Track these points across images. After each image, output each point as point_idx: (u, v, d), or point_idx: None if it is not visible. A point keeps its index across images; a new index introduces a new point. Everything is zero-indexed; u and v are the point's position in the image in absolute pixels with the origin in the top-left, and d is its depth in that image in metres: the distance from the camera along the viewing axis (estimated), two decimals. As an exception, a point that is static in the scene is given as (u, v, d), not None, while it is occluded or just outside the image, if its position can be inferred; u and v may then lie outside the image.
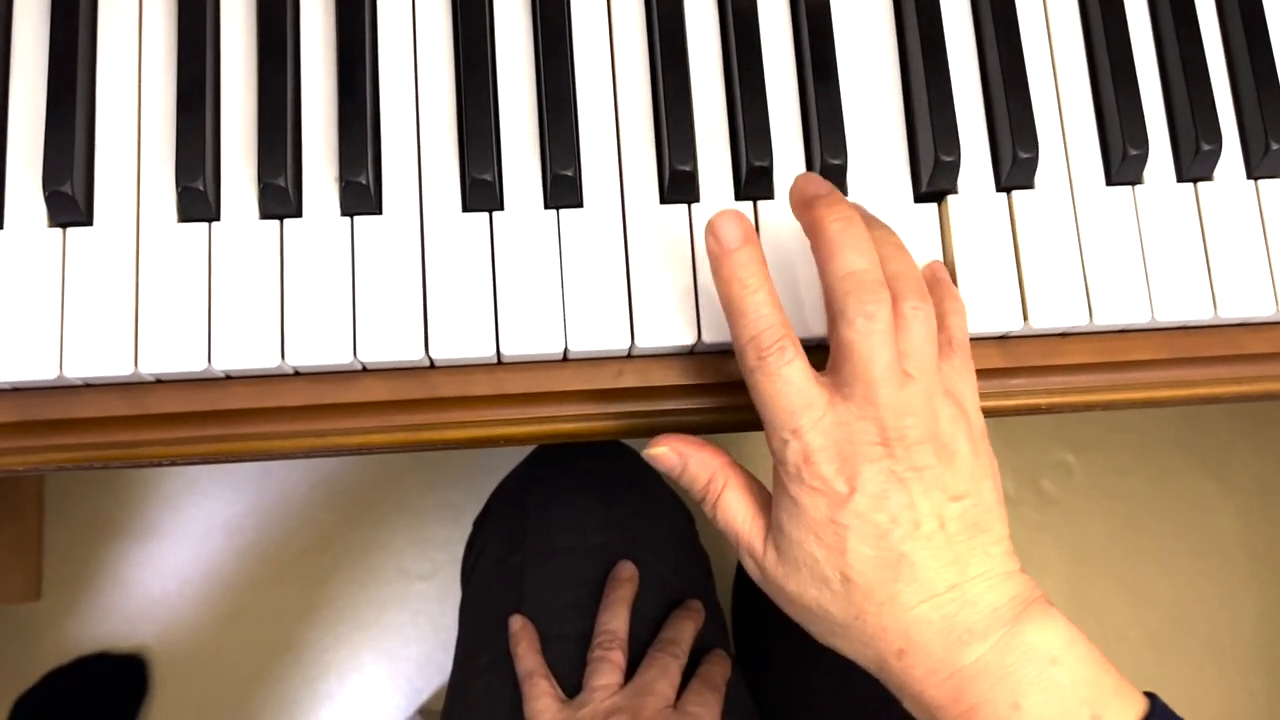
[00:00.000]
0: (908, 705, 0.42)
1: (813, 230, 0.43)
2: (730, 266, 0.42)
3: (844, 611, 0.41)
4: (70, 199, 0.45)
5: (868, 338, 0.40)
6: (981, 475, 0.42)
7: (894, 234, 0.45)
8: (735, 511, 0.44)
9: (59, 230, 0.46)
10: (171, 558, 1.27)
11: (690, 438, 0.45)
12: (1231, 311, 0.48)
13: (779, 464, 0.42)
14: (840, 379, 0.41)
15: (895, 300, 0.41)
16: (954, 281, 0.48)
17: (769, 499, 0.44)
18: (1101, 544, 1.36)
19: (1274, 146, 0.48)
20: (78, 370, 0.44)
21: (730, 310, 0.42)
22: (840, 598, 0.41)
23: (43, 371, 0.44)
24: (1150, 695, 0.41)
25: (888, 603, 0.40)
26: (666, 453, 0.45)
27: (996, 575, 0.41)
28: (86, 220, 0.46)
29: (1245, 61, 0.50)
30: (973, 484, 0.41)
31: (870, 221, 0.45)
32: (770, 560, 0.43)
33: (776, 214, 0.48)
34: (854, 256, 0.41)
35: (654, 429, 0.51)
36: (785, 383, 0.41)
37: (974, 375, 0.45)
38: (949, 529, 0.41)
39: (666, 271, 0.47)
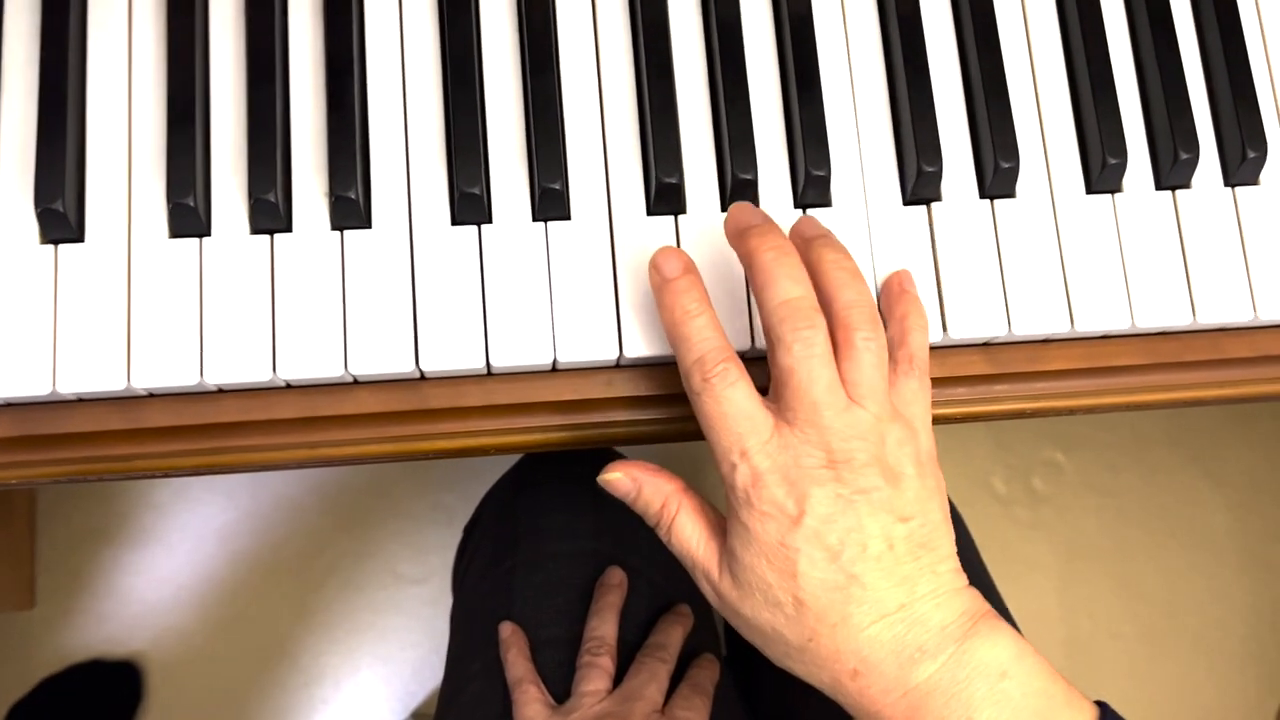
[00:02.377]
0: None
1: (747, 260, 0.44)
2: (672, 295, 0.43)
3: (797, 635, 0.41)
4: (62, 216, 0.45)
5: (805, 362, 0.41)
6: (928, 496, 0.42)
7: (849, 259, 0.44)
8: (689, 536, 0.44)
9: (51, 247, 0.46)
10: (165, 564, 1.27)
11: (644, 464, 0.46)
12: (1209, 317, 0.49)
13: (729, 490, 0.42)
14: (783, 404, 0.42)
15: (848, 330, 0.42)
16: (939, 288, 0.48)
17: (723, 523, 0.44)
18: (1093, 541, 1.37)
19: (1250, 155, 0.49)
20: (71, 385, 0.45)
21: (674, 337, 0.44)
22: (793, 621, 0.41)
23: (36, 387, 0.45)
24: (1101, 704, 0.42)
25: (840, 624, 0.41)
26: (621, 478, 0.46)
27: (945, 593, 0.42)
28: (78, 237, 0.46)
29: (1222, 72, 0.50)
30: (920, 505, 0.42)
31: (829, 244, 0.45)
32: (725, 584, 0.43)
33: (762, 224, 0.49)
34: (788, 285, 0.42)
35: (645, 437, 0.51)
36: (730, 404, 0.42)
37: (929, 394, 0.45)
38: (897, 550, 0.41)
39: (654, 282, 0.47)
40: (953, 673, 0.40)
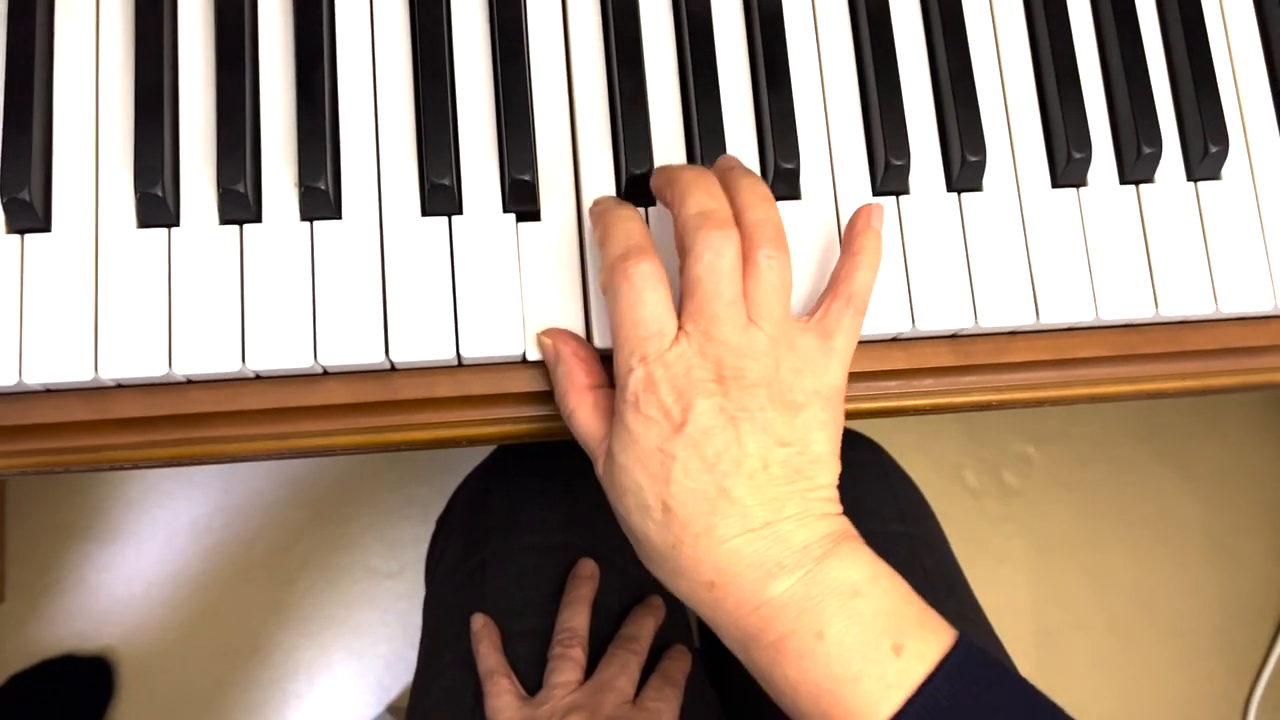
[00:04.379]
0: (722, 637, 0.43)
1: (669, 183, 0.45)
2: (606, 212, 0.45)
3: (662, 540, 0.42)
4: (28, 205, 0.45)
5: (713, 273, 0.42)
6: (815, 427, 0.43)
7: (763, 184, 0.45)
8: (586, 425, 0.45)
9: (17, 236, 0.46)
10: (136, 559, 1.26)
11: (575, 341, 0.47)
12: (1172, 310, 0.50)
13: (619, 390, 0.43)
14: (686, 313, 0.42)
15: (752, 245, 0.43)
16: (906, 279, 0.49)
17: None
18: (1064, 533, 1.38)
19: (1212, 149, 0.50)
20: (37, 376, 0.45)
21: (601, 239, 0.44)
22: (660, 526, 0.42)
23: (2, 378, 0.44)
24: (960, 633, 0.42)
25: (703, 534, 0.41)
26: (547, 345, 0.47)
27: (811, 516, 0.42)
28: (45, 226, 0.46)
29: (1185, 68, 0.51)
30: (802, 434, 0.42)
31: (746, 173, 0.46)
32: (606, 478, 0.44)
33: (732, 217, 0.49)
34: (704, 197, 0.43)
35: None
36: (644, 304, 0.42)
37: (858, 331, 0.45)
38: (771, 471, 0.41)
39: (624, 274, 0.47)
40: (806, 589, 0.41)
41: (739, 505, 0.41)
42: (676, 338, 0.42)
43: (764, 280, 0.43)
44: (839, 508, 0.43)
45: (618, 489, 0.43)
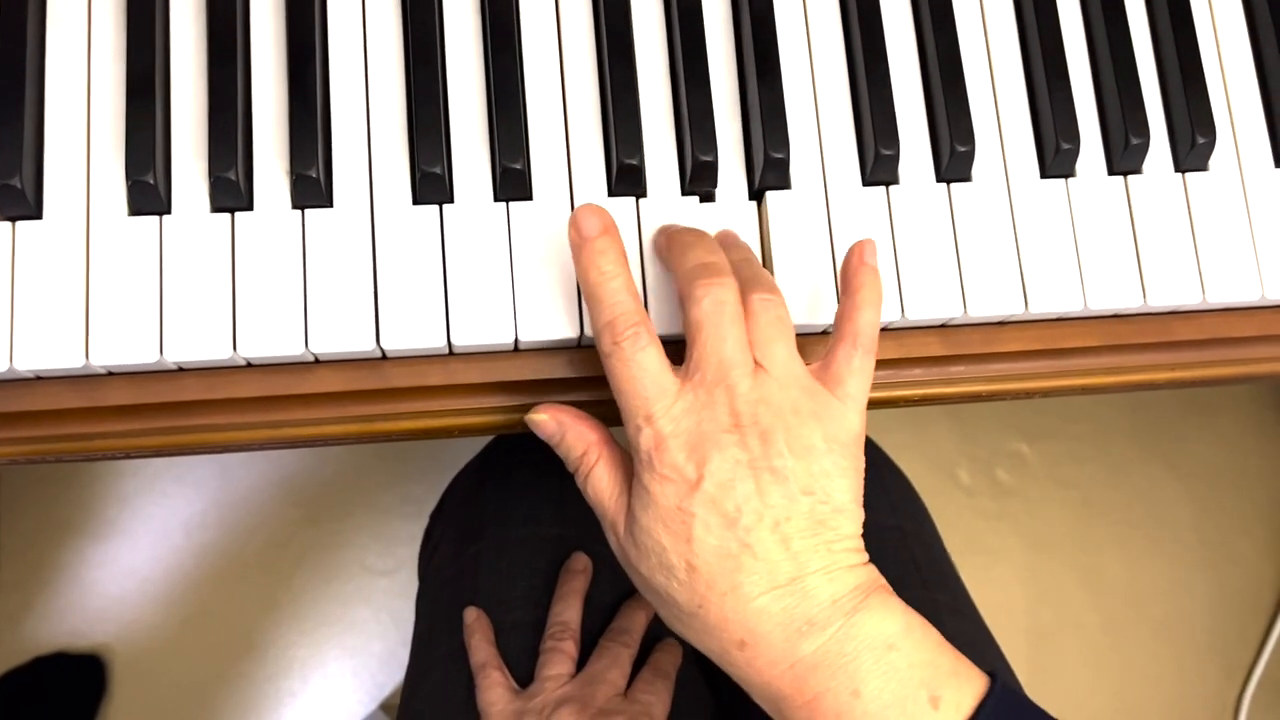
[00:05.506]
0: (754, 697, 0.43)
1: (668, 245, 0.46)
2: (589, 255, 0.44)
3: (688, 600, 0.41)
4: (19, 192, 0.45)
5: (715, 316, 0.42)
6: (836, 474, 0.42)
7: (748, 248, 0.47)
8: (604, 487, 0.45)
9: (8, 224, 0.46)
10: (130, 556, 1.26)
11: (572, 410, 0.47)
12: (1159, 300, 0.50)
13: (634, 452, 0.43)
14: (692, 363, 0.42)
15: (746, 293, 0.43)
16: (896, 269, 0.49)
17: None
18: (1057, 532, 1.38)
19: (1200, 141, 0.50)
20: (28, 363, 0.45)
21: (589, 297, 0.44)
22: (685, 586, 0.41)
23: (-7, 364, 0.45)
24: (992, 674, 0.42)
25: (729, 593, 0.41)
26: (547, 420, 0.46)
27: (838, 569, 0.41)
28: (35, 214, 0.46)
29: (1173, 59, 0.51)
30: (824, 481, 0.42)
31: (736, 241, 0.47)
32: (627, 541, 0.43)
33: (720, 211, 0.49)
34: (703, 253, 0.44)
35: (610, 418, 0.51)
36: (639, 368, 0.42)
37: (870, 374, 0.44)
38: (795, 523, 0.41)
39: (614, 263, 0.48)
40: (840, 646, 0.40)
41: (763, 561, 0.40)
42: (680, 391, 0.42)
43: (762, 319, 0.43)
44: (865, 556, 0.43)
45: (640, 550, 0.42)
